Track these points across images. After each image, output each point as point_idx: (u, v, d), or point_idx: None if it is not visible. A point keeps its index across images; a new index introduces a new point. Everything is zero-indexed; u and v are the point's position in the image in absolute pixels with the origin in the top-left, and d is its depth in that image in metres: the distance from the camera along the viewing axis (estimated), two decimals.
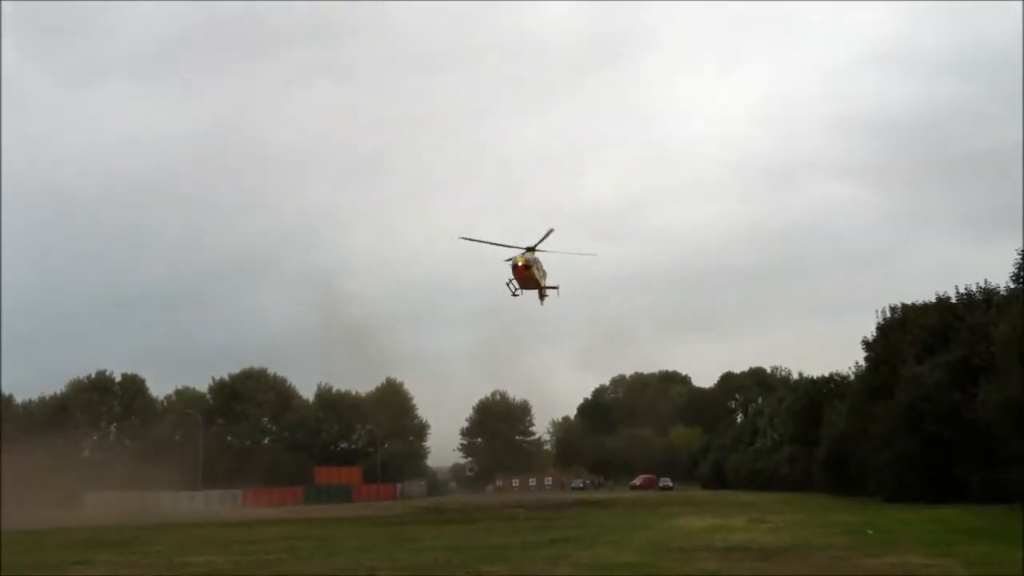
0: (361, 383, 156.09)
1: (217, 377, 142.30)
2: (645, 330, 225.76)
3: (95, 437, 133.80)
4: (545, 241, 39.75)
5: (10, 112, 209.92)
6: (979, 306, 54.33)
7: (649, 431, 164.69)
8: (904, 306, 62.69)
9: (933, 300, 59.52)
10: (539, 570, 22.20)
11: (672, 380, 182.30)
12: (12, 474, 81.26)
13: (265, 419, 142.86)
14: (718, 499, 74.44)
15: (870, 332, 64.54)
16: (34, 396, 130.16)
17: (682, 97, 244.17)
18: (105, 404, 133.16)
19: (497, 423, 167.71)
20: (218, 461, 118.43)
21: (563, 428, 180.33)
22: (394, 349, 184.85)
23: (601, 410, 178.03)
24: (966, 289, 56.87)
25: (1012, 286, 51.21)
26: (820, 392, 79.76)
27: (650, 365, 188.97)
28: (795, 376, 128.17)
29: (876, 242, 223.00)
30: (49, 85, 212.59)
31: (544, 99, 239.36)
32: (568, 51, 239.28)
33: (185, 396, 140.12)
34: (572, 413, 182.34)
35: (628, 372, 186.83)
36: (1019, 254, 45.87)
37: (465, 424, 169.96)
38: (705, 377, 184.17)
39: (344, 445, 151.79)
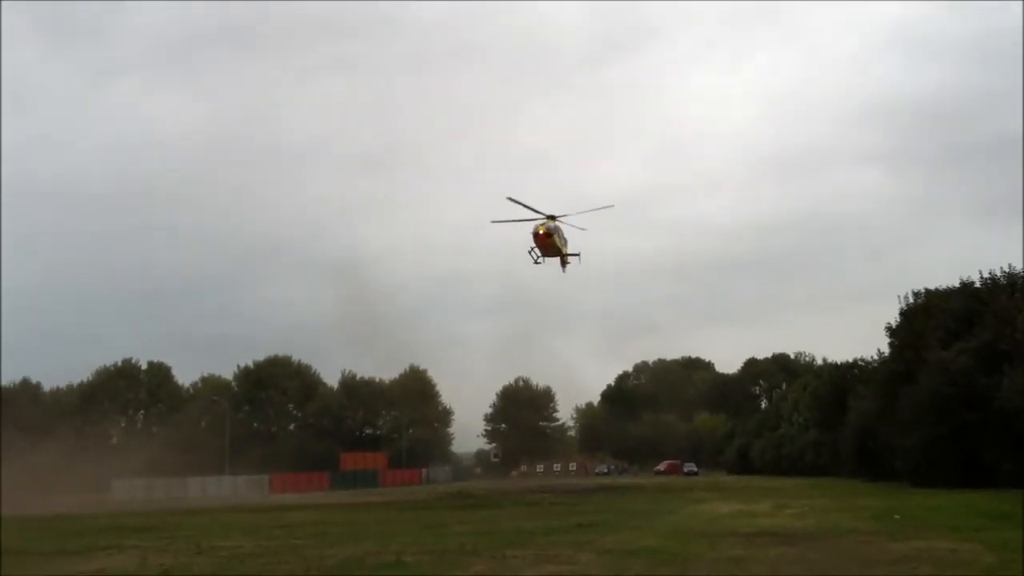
0: (385, 370, 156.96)
1: (242, 364, 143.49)
2: (667, 318, 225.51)
3: (122, 424, 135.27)
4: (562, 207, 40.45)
5: (32, 111, 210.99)
6: (1003, 291, 53.90)
7: (673, 417, 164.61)
8: (928, 291, 62.27)
9: (957, 285, 59.15)
10: (564, 554, 22.27)
11: (695, 366, 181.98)
12: (40, 461, 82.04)
13: (290, 406, 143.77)
14: (743, 484, 74.37)
15: (893, 318, 64.18)
16: (62, 384, 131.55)
17: (698, 87, 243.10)
18: (132, 391, 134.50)
19: (521, 409, 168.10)
20: (244, 447, 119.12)
21: (587, 414, 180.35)
22: (418, 336, 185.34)
23: (624, 396, 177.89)
24: (990, 274, 56.46)
25: None
26: (844, 378, 79.51)
27: (673, 352, 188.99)
28: (819, 362, 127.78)
29: (898, 228, 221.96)
30: (63, 84, 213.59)
31: (556, 92, 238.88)
32: (579, 44, 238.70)
33: (211, 383, 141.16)
34: (596, 399, 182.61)
35: (651, 359, 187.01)
36: None
37: (489, 410, 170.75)
38: (728, 363, 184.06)
39: (369, 431, 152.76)
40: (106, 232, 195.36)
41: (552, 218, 40.39)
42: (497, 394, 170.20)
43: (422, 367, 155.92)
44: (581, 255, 43.65)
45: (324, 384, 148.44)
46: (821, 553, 21.47)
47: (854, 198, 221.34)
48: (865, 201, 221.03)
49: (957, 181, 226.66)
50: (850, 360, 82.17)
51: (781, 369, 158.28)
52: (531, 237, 40.88)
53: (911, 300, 62.84)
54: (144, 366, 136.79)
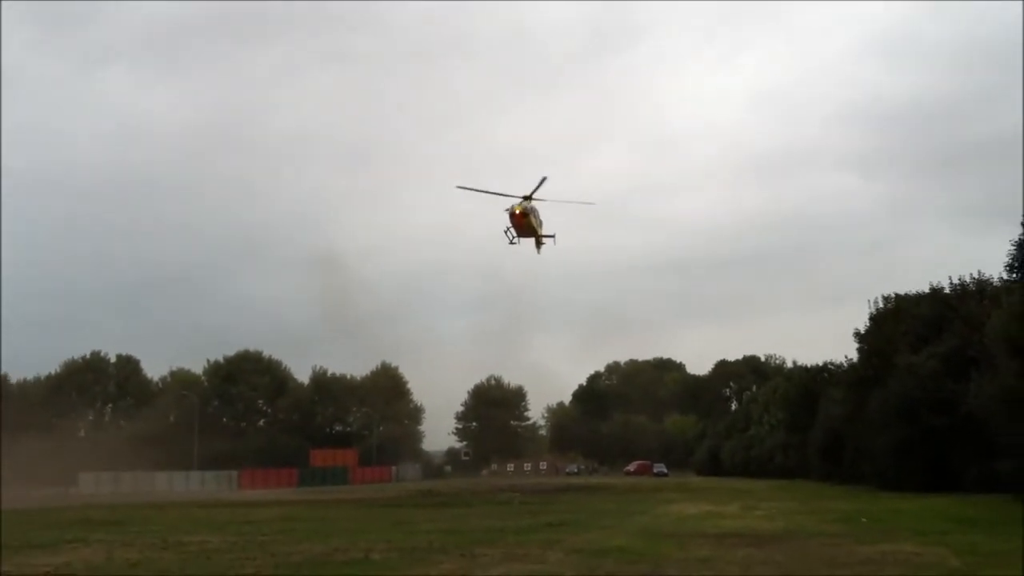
0: (356, 366, 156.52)
1: (212, 359, 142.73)
2: (640, 317, 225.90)
3: (90, 417, 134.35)
4: (540, 191, 40.51)
5: (12, 100, 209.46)
6: (973, 296, 54.24)
7: (644, 418, 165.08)
8: (897, 296, 62.63)
9: (926, 290, 59.56)
10: (533, 553, 22.28)
11: (667, 367, 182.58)
12: (7, 454, 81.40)
13: (260, 401, 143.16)
14: (712, 486, 74.66)
15: (863, 322, 64.56)
16: (29, 376, 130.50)
17: (680, 87, 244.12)
18: (100, 385, 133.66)
19: (492, 408, 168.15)
20: (213, 442, 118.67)
21: (558, 414, 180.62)
22: (391, 333, 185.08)
23: (596, 396, 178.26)
24: (960, 279, 56.81)
25: (1005, 277, 51.26)
26: (814, 380, 79.85)
27: (645, 352, 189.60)
28: (789, 364, 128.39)
29: (872, 232, 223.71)
30: (51, 74, 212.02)
31: (544, 88, 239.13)
32: (569, 41, 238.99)
33: (180, 377, 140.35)
34: (567, 399, 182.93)
35: (623, 359, 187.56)
36: (1013, 245, 45.88)
37: (460, 408, 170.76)
38: (699, 364, 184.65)
39: (339, 428, 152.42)
40: (85, 222, 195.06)
41: (527, 198, 40.57)
42: (468, 392, 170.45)
43: (394, 364, 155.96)
44: (556, 236, 43.91)
45: (294, 380, 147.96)
46: (788, 555, 21.57)
47: (833, 200, 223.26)
48: (843, 203, 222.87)
49: (936, 185, 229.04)
50: (820, 363, 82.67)
51: (752, 371, 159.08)
52: (506, 217, 41.04)
53: (881, 305, 63.25)
54: (113, 359, 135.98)
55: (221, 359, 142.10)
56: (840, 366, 74.31)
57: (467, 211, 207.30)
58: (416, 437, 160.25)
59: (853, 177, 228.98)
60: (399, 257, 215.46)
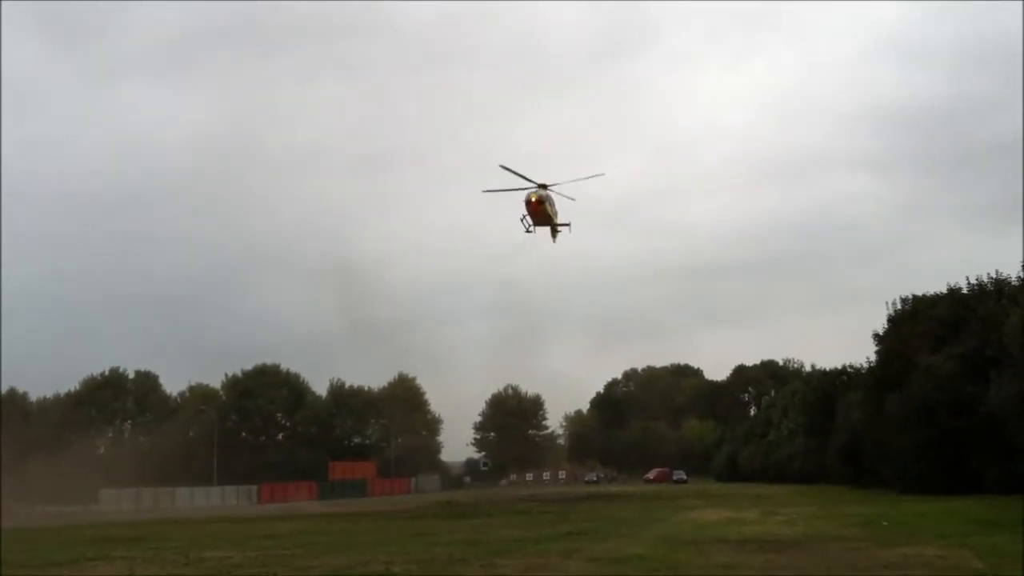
0: (374, 378, 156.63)
1: (230, 374, 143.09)
2: (656, 323, 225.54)
3: (110, 434, 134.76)
4: (552, 177, 41.02)
5: (25, 112, 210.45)
6: (990, 297, 53.99)
7: (662, 424, 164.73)
8: (915, 297, 62.34)
9: (944, 291, 59.31)
10: (553, 563, 22.26)
11: (684, 373, 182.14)
12: (27, 471, 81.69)
13: (279, 415, 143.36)
14: (732, 492, 74.48)
15: (881, 324, 64.35)
16: (49, 394, 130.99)
17: (692, 92, 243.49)
18: (119, 401, 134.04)
19: (510, 417, 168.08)
20: (232, 457, 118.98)
21: (576, 422, 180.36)
22: (408, 343, 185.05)
23: (613, 404, 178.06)
24: (977, 280, 56.56)
25: (1023, 276, 51.10)
26: (833, 384, 79.62)
27: (662, 358, 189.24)
28: (807, 368, 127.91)
29: (888, 234, 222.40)
30: (64, 86, 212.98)
31: (555, 94, 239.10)
32: (578, 46, 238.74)
33: (198, 393, 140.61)
34: (585, 407, 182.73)
35: (640, 365, 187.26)
36: None
37: (478, 419, 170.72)
38: (717, 370, 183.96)
39: (358, 440, 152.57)
40: (100, 236, 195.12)
41: (544, 187, 40.64)
42: (486, 402, 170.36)
43: (411, 375, 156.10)
44: (571, 225, 44.01)
45: (312, 393, 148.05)
46: (809, 560, 21.50)
47: (847, 202, 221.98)
48: (858, 205, 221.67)
49: (952, 185, 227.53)
50: (839, 367, 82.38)
51: (770, 376, 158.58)
52: (523, 205, 41.11)
53: (898, 306, 63.03)
54: (131, 375, 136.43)
55: (239, 373, 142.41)
56: (859, 369, 74.08)
57: (483, 219, 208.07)
58: (434, 448, 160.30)
59: (868, 178, 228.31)
60: (415, 266, 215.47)
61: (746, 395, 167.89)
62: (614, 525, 36.09)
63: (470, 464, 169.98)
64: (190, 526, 48.42)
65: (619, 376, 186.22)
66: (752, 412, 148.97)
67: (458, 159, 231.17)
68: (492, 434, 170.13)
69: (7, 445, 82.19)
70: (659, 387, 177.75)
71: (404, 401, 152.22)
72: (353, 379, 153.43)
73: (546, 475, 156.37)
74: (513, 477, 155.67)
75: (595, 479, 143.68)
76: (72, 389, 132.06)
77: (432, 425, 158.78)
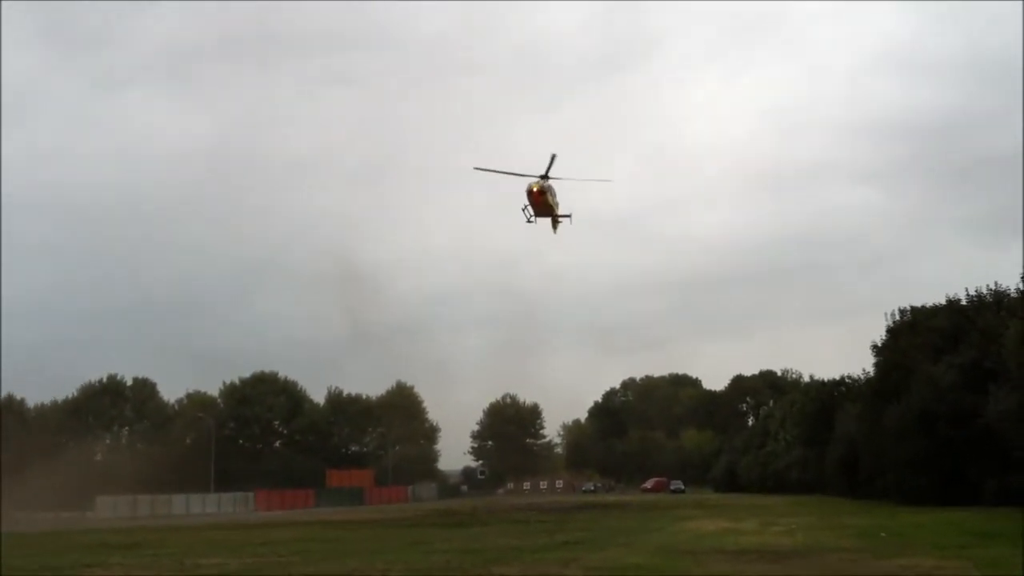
0: (372, 386, 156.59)
1: (228, 381, 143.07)
2: (655, 333, 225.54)
3: (107, 441, 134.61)
4: (555, 170, 40.75)
5: (24, 119, 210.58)
6: (990, 308, 54.03)
7: (660, 434, 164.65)
8: (914, 308, 62.43)
9: (943, 302, 59.33)
10: (550, 572, 22.22)
11: (682, 383, 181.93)
12: (24, 477, 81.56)
13: (276, 422, 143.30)
14: (730, 502, 74.40)
15: (880, 335, 64.38)
16: (47, 400, 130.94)
17: (691, 103, 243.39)
18: (117, 408, 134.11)
19: (508, 426, 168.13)
20: (230, 464, 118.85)
21: (574, 431, 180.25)
22: (405, 352, 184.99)
23: (612, 413, 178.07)
24: (976, 291, 56.64)
25: (1022, 288, 51.10)
26: (831, 395, 79.66)
27: (660, 368, 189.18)
28: (806, 379, 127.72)
29: (888, 246, 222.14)
30: (67, 95, 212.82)
31: (555, 105, 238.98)
32: (577, 57, 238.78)
33: (196, 400, 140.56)
34: (583, 416, 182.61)
35: (638, 375, 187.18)
36: None
37: (475, 427, 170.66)
38: (715, 380, 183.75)
39: (355, 448, 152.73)
40: (99, 244, 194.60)
41: (544, 177, 40.72)
42: (484, 411, 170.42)
43: (409, 383, 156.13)
44: (572, 216, 44.09)
45: (310, 400, 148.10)
46: (807, 571, 21.48)
47: (848, 213, 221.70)
48: (858, 217, 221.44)
49: (952, 197, 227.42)
50: (837, 377, 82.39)
51: (768, 386, 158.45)
52: (524, 196, 41.21)
53: (897, 317, 63.05)
54: (129, 382, 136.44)
55: (237, 381, 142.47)
56: (857, 380, 74.13)
57: (483, 228, 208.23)
58: (432, 456, 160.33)
59: (868, 190, 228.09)
60: (414, 275, 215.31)
61: (744, 405, 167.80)
62: (611, 535, 36.01)
63: (467, 473, 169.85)
64: (187, 533, 48.30)
65: (617, 385, 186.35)
66: (750, 422, 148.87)
67: (458, 169, 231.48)
68: (490, 443, 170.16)
69: (5, 451, 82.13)
70: (657, 397, 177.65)
71: (402, 409, 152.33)
72: (351, 387, 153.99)
73: (543, 484, 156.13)
74: (510, 486, 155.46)
75: (592, 488, 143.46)
76: (70, 396, 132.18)
77: (430, 433, 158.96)
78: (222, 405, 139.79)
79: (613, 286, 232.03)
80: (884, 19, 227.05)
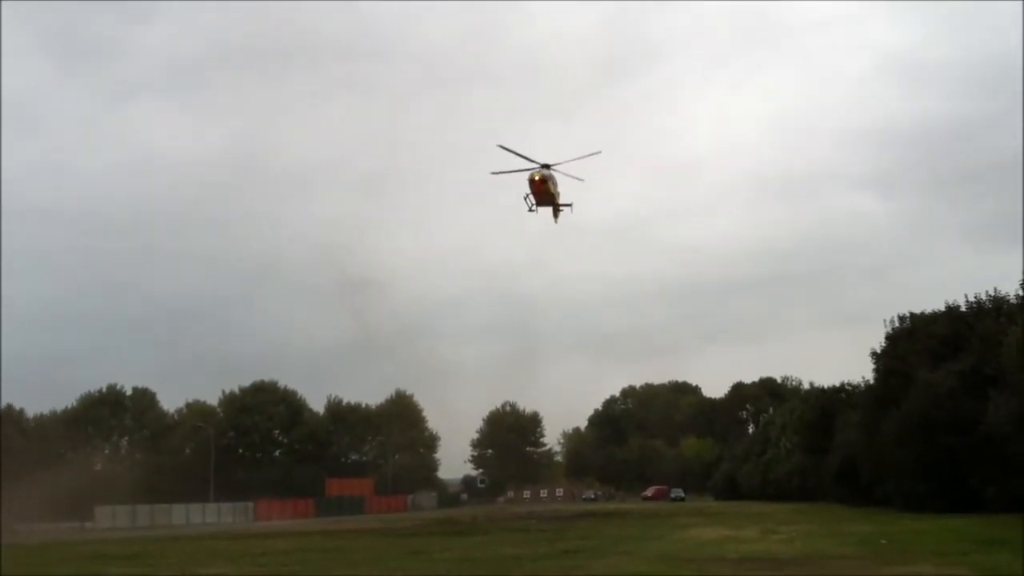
0: (372, 395, 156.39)
1: (227, 391, 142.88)
2: (655, 340, 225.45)
3: (106, 451, 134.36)
4: (556, 158, 40.92)
5: (33, 133, 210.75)
6: (989, 315, 53.98)
7: (660, 442, 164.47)
8: (913, 315, 62.29)
9: (942, 309, 59.30)
10: None
11: (682, 390, 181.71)
12: (24, 488, 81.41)
13: (276, 431, 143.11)
14: (730, 510, 74.27)
15: (879, 342, 64.31)
16: (46, 410, 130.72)
17: (693, 111, 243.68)
18: (116, 418, 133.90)
19: (507, 434, 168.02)
20: (229, 474, 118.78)
21: (574, 439, 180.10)
22: (405, 361, 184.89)
23: (612, 421, 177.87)
24: (975, 297, 56.60)
25: (1022, 295, 51.10)
26: (831, 402, 79.54)
27: (660, 375, 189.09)
28: (806, 386, 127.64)
29: (889, 252, 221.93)
30: (73, 107, 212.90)
31: (560, 113, 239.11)
32: (581, 67, 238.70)
33: (195, 409, 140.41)
34: (583, 424, 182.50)
35: (638, 383, 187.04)
36: None
37: (475, 435, 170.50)
38: (715, 387, 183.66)
39: (355, 457, 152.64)
40: (100, 254, 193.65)
41: (546, 167, 40.82)
42: (484, 419, 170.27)
43: (409, 392, 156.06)
44: (573, 205, 44.08)
45: (310, 409, 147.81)
46: None
47: (848, 221, 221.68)
48: (858, 224, 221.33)
49: (952, 204, 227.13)
50: (837, 384, 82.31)
51: (768, 393, 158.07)
52: (526, 184, 41.26)
53: (896, 324, 63.00)
54: (129, 392, 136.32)
55: (236, 390, 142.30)
56: (857, 386, 74.09)
57: (483, 237, 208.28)
58: (432, 465, 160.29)
59: (868, 198, 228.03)
60: (416, 284, 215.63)
61: (744, 413, 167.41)
62: (612, 543, 35.96)
63: (467, 481, 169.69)
64: (186, 543, 48.24)
65: (617, 393, 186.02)
66: (750, 430, 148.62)
67: (462, 178, 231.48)
68: (490, 451, 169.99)
69: (5, 462, 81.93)
70: (657, 404, 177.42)
71: (402, 418, 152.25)
72: (351, 396, 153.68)
73: (543, 492, 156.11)
74: (510, 494, 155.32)
75: (593, 496, 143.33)
76: (69, 406, 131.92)
77: (430, 442, 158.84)
78: (221, 414, 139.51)
79: (612, 293, 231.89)
80: (886, 28, 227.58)
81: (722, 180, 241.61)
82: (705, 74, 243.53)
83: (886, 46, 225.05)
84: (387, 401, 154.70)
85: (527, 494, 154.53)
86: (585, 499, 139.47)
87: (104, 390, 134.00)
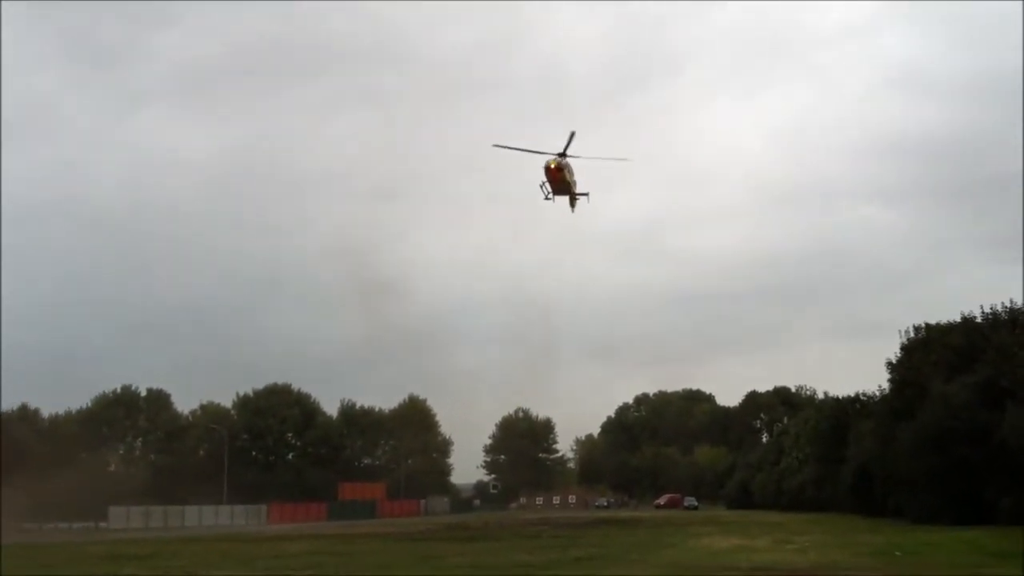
0: (385, 399, 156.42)
1: (241, 393, 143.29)
2: (669, 349, 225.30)
3: (120, 451, 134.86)
4: (572, 148, 40.45)
5: (45, 137, 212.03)
6: (1005, 326, 53.75)
7: (673, 450, 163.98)
8: (928, 326, 62.09)
9: (958, 320, 59.05)
10: None
11: (696, 399, 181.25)
12: (38, 488, 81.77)
13: (289, 435, 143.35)
14: (743, 519, 74.04)
15: (894, 353, 64.07)
16: (60, 410, 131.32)
17: (707, 122, 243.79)
18: (130, 419, 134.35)
19: (520, 440, 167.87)
20: (243, 476, 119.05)
21: (586, 446, 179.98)
22: (418, 365, 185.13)
23: (625, 428, 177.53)
24: (991, 309, 56.38)
25: None
26: (846, 412, 79.16)
27: (674, 383, 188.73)
28: (820, 396, 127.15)
29: (902, 263, 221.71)
30: (87, 112, 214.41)
31: (570, 123, 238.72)
32: (594, 78, 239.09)
33: (210, 411, 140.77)
34: (596, 431, 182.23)
35: (652, 390, 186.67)
36: None
37: (488, 441, 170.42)
38: (729, 396, 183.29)
39: (368, 461, 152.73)
40: (116, 258, 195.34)
41: (561, 155, 40.60)
42: (496, 425, 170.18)
43: (422, 396, 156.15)
44: (590, 195, 43.79)
45: (323, 413, 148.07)
46: None
47: (862, 231, 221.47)
48: (873, 234, 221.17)
49: (966, 215, 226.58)
50: (852, 394, 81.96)
51: (782, 402, 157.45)
52: (542, 172, 41.06)
53: (912, 335, 62.77)
54: (143, 393, 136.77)
55: (250, 392, 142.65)
56: (872, 397, 73.73)
57: (497, 244, 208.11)
58: (444, 470, 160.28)
59: (882, 209, 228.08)
60: (428, 290, 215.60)
61: (758, 422, 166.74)
62: (625, 551, 35.88)
63: (480, 487, 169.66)
64: (199, 544, 48.36)
65: (631, 401, 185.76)
66: (764, 439, 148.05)
67: (473, 186, 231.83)
68: (502, 457, 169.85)
69: (15, 462, 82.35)
70: (671, 412, 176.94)
71: (415, 422, 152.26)
72: (364, 400, 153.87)
73: (556, 499, 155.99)
74: (523, 500, 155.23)
75: (605, 504, 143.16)
76: (84, 406, 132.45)
77: (442, 447, 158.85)
78: (235, 417, 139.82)
79: (627, 301, 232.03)
80: (897, 40, 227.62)
81: (735, 190, 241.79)
82: (718, 87, 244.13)
83: (897, 57, 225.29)
84: (400, 405, 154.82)
85: (539, 500, 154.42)
86: (598, 506, 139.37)
87: (119, 391, 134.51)
